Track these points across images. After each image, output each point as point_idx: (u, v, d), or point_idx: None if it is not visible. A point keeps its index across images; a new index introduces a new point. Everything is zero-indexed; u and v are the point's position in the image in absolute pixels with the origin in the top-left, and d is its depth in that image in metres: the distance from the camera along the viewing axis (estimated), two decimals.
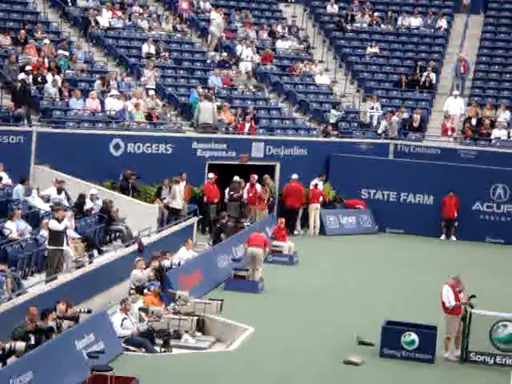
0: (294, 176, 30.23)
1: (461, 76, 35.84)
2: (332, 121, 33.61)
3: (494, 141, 33.31)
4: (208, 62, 34.37)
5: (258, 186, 29.58)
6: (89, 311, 17.21)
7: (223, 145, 30.30)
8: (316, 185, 30.74)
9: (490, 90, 36.25)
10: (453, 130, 33.80)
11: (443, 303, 18.08)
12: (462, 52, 37.60)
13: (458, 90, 35.08)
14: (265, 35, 37.11)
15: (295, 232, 30.02)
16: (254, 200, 29.10)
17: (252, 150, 30.82)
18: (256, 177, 29.39)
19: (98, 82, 30.34)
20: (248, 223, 27.87)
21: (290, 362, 17.12)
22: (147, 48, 33.28)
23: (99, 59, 32.61)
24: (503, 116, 34.08)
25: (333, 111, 33.83)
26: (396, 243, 30.07)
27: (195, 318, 18.70)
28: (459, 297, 18.01)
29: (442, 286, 18.30)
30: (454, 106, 34.24)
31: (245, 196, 29.11)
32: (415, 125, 34.16)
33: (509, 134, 33.37)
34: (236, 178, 29.53)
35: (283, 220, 27.12)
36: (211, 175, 28.90)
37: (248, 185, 29.26)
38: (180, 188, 26.88)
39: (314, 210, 30.45)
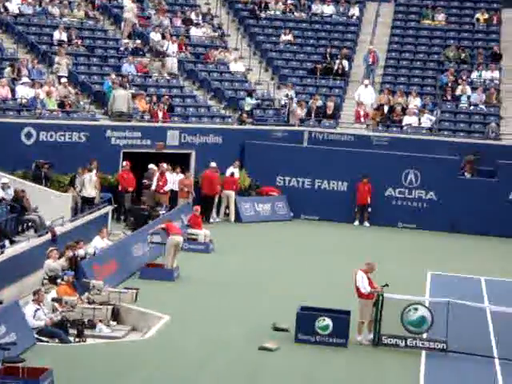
0: (213, 164, 30.25)
1: (370, 67, 36.27)
2: (247, 108, 33.72)
3: (405, 127, 33.86)
4: (121, 49, 34.05)
5: (169, 175, 29.46)
6: (0, 302, 16.92)
7: (138, 133, 30.10)
8: (232, 173, 30.82)
9: (401, 78, 36.81)
10: (366, 115, 34.21)
11: (357, 289, 18.32)
12: (373, 40, 38.10)
13: (369, 80, 35.50)
14: (179, 22, 36.96)
15: (211, 220, 30.05)
16: (162, 188, 28.96)
17: (167, 137, 30.70)
18: (165, 165, 29.24)
19: (8, 69, 29.78)
20: (163, 211, 27.79)
21: (206, 349, 17.16)
22: (59, 35, 32.81)
23: (9, 46, 31.99)
24: (414, 103, 34.66)
25: (248, 99, 33.92)
26: (311, 230, 30.36)
27: (110, 307, 18.56)
28: (373, 283, 18.27)
29: (355, 271, 18.54)
30: (365, 95, 34.66)
31: (154, 185, 28.91)
32: (329, 112, 34.49)
33: (420, 120, 33.96)
34: (151, 166, 29.39)
35: (198, 208, 27.13)
36: (125, 163, 28.71)
37: (157, 174, 29.05)
38: (91, 176, 26.65)
39: (228, 197, 30.56)
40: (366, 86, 34.87)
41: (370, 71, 36.27)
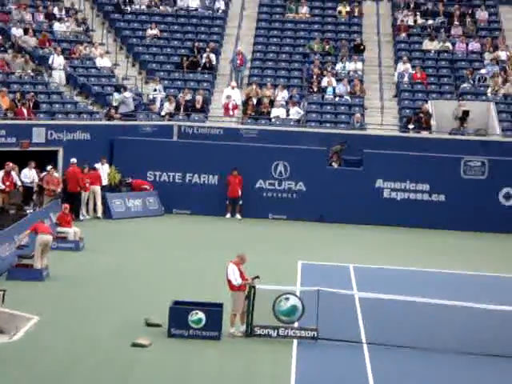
0: (73, 160, 29.84)
1: (238, 69, 36.34)
2: (115, 104, 33.40)
3: (273, 119, 34.20)
4: None
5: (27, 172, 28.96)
6: None
7: (2, 131, 29.38)
8: (94, 168, 30.49)
9: (267, 70, 37.15)
10: (235, 107, 34.31)
11: (229, 281, 18.39)
12: (239, 33, 38.28)
13: (237, 82, 35.55)
14: (41, 17, 36.24)
15: (81, 217, 29.64)
16: (11, 188, 28.08)
17: (33, 135, 30.08)
18: (11, 164, 28.33)
19: None
20: (31, 210, 27.23)
21: (77, 349, 16.90)
22: None
23: None
24: (281, 95, 35.05)
25: (115, 94, 33.58)
26: (183, 224, 30.34)
27: None
28: (244, 275, 18.37)
29: (227, 264, 18.61)
30: (233, 95, 34.66)
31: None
32: (198, 106, 34.51)
33: (288, 112, 34.36)
34: (10, 164, 28.53)
35: (67, 205, 26.69)
36: None
37: (1, 173, 28.08)
38: None
39: (93, 192, 30.19)
40: (233, 88, 34.90)
41: (238, 72, 36.32)
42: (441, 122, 34.23)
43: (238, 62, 36.23)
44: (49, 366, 15.99)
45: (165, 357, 16.83)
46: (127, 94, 33.27)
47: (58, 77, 33.60)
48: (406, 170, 31.52)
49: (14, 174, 28.41)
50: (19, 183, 28.60)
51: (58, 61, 33.78)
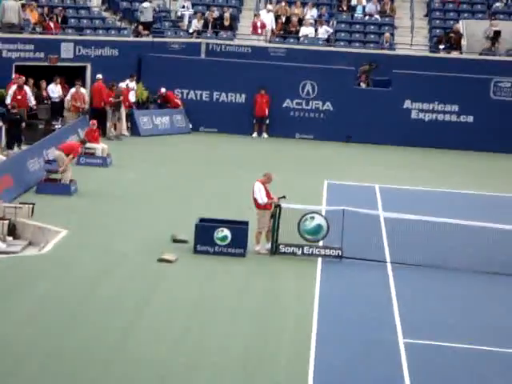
0: (99, 76, 29.77)
1: None
2: (143, 20, 33.15)
3: (302, 38, 33.85)
4: None
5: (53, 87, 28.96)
6: None
7: (30, 45, 29.33)
8: (127, 85, 30.44)
9: None
10: (263, 26, 33.89)
11: (255, 200, 18.50)
12: None
13: (272, 4, 34.97)
14: None
15: (110, 134, 29.68)
16: (22, 103, 26.92)
17: (61, 50, 30.03)
18: (24, 78, 27.58)
19: None
20: (59, 125, 27.35)
21: (104, 262, 17.17)
22: None
23: None
24: (310, 13, 34.62)
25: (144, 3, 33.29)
26: (209, 142, 30.38)
27: (6, 222, 18.35)
28: (270, 194, 18.47)
29: (253, 182, 18.69)
30: (266, 18, 34.16)
31: (8, 100, 26.81)
32: (226, 23, 34.18)
33: (316, 31, 33.99)
34: (22, 77, 27.99)
35: (95, 122, 26.75)
36: (14, 76, 27.92)
37: (14, 87, 27.19)
38: None
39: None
40: (268, 11, 34.39)
41: None
42: (472, 42, 33.74)
43: None
44: (77, 277, 16.28)
45: (190, 272, 17.06)
46: (145, 4, 33.03)
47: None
48: (435, 90, 31.25)
49: (27, 88, 27.49)
50: (33, 101, 27.51)
51: None
